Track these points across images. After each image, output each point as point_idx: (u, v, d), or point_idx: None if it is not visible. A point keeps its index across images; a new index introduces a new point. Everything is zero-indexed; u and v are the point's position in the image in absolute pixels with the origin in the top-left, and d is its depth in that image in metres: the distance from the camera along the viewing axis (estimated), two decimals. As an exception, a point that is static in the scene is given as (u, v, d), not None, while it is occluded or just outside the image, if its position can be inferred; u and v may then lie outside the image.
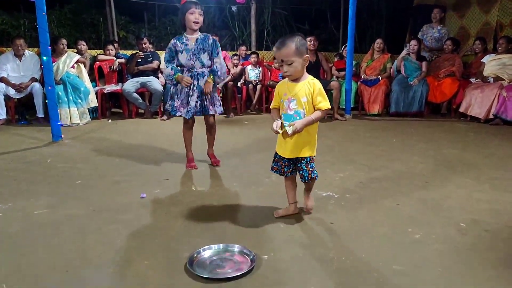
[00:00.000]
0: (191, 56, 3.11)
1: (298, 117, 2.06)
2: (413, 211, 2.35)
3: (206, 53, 3.14)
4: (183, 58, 3.12)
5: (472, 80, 6.13)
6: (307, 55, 2.03)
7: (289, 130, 2.01)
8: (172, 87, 3.26)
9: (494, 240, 1.96)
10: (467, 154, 3.78)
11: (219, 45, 3.24)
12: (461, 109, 5.83)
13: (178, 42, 3.13)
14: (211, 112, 3.22)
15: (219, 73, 3.18)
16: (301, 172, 2.17)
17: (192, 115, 3.19)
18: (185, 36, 3.14)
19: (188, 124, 3.27)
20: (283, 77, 2.13)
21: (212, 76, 3.17)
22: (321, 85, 2.09)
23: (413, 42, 6.34)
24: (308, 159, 2.14)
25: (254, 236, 2.01)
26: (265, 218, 2.22)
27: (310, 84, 2.05)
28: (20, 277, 1.63)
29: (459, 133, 4.89)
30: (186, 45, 3.11)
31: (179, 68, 3.17)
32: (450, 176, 3.06)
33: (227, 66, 5.59)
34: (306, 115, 2.05)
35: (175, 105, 3.20)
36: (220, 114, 3.44)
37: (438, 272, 1.66)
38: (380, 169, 3.27)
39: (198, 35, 3.13)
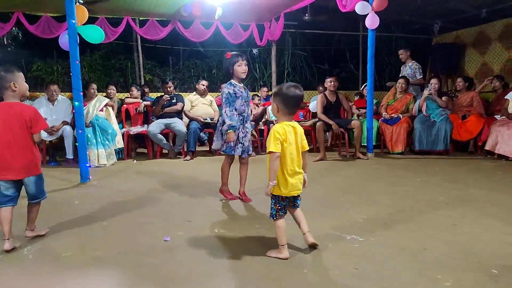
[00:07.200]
0: (244, 102, 3.46)
1: None
2: (442, 256, 2.28)
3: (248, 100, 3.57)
4: (238, 103, 3.43)
5: (497, 117, 6.04)
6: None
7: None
8: (220, 131, 3.52)
9: (529, 288, 1.88)
10: (496, 194, 3.67)
11: None
12: (487, 147, 5.70)
13: (235, 88, 3.42)
14: (250, 153, 3.62)
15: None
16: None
17: (243, 153, 3.54)
18: (236, 84, 3.45)
19: (232, 160, 3.62)
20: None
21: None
22: (274, 128, 2.29)
23: (433, 80, 6.35)
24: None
25: (276, 282, 1.99)
26: (286, 263, 2.21)
27: None
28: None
29: (486, 172, 4.77)
30: (241, 92, 3.44)
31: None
32: (479, 218, 2.97)
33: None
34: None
35: (230, 146, 3.49)
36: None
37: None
38: (405, 210, 3.21)
39: (242, 83, 3.53)
